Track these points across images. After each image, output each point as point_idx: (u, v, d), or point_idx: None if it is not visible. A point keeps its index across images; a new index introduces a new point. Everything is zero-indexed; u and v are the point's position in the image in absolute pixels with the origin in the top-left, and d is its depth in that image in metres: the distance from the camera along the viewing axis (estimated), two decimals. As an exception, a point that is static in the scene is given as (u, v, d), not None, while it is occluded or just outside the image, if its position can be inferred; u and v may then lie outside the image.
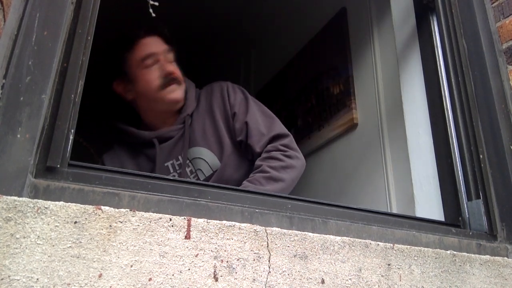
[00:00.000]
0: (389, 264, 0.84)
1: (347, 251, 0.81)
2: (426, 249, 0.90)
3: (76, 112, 0.75)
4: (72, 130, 0.73)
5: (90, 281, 0.60)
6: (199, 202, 0.78)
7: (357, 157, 1.93)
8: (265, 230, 0.76)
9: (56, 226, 0.61)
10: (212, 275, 0.68)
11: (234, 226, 0.73)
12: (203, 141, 1.37)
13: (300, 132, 2.28)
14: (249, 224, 0.75)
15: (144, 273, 0.64)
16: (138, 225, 0.66)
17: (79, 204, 0.63)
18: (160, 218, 0.68)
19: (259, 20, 3.00)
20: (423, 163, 1.52)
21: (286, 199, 0.89)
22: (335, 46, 2.17)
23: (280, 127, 1.37)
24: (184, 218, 0.70)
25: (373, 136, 1.84)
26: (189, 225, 0.70)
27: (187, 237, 0.69)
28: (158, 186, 0.77)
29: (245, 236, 0.73)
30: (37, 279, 0.57)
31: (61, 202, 0.63)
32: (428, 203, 1.46)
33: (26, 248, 0.58)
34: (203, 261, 0.68)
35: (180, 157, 1.36)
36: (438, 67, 1.33)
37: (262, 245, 0.74)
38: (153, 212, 0.68)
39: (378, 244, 0.85)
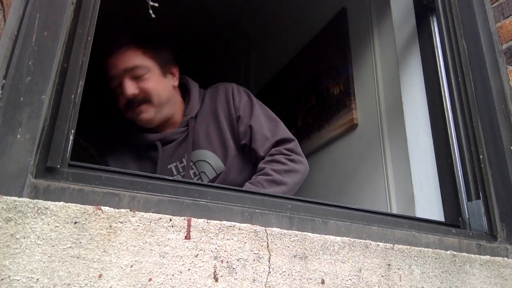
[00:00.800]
0: (389, 265, 0.84)
1: (347, 252, 0.81)
2: (426, 249, 0.90)
3: (76, 113, 0.75)
4: (72, 131, 0.73)
5: (90, 281, 0.60)
6: (199, 202, 0.78)
7: (357, 157, 1.93)
8: (265, 231, 0.76)
9: (56, 226, 0.61)
10: (212, 276, 0.68)
11: (234, 226, 0.73)
12: (207, 143, 1.35)
13: (300, 133, 2.28)
14: (249, 225, 0.75)
15: (144, 273, 0.64)
16: (138, 226, 0.66)
17: (79, 205, 0.63)
18: (160, 219, 0.68)
19: (259, 20, 3.00)
20: (423, 163, 1.52)
21: (286, 200, 0.89)
22: (335, 46, 2.17)
23: (284, 131, 1.36)
24: (184, 219, 0.70)
25: (373, 136, 1.84)
26: (189, 226, 0.70)
27: (187, 237, 0.69)
28: (158, 187, 0.77)
29: (245, 237, 0.73)
30: (37, 279, 0.57)
31: (61, 203, 0.63)
32: (428, 203, 1.46)
33: (26, 248, 0.58)
34: (203, 262, 0.68)
35: (184, 160, 1.35)
36: (438, 67, 1.33)
37: (262, 246, 0.74)
38: (153, 213, 0.68)
39: (378, 245, 0.85)
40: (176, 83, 1.40)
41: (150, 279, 0.64)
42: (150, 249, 0.65)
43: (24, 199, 0.60)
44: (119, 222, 0.65)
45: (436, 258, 0.90)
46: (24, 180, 0.64)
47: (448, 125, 1.26)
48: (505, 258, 1.01)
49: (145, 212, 0.68)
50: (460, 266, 0.92)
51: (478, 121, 1.20)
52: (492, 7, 1.33)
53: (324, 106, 2.18)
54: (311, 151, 2.17)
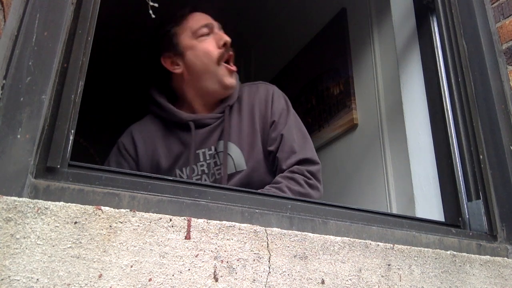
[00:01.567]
0: (389, 265, 0.84)
1: (347, 252, 0.81)
2: (426, 249, 0.90)
3: (76, 112, 0.75)
4: (72, 130, 0.73)
5: (90, 281, 0.60)
6: (199, 202, 0.78)
7: (357, 157, 1.93)
8: (265, 231, 0.76)
9: (56, 226, 0.61)
10: (212, 276, 0.68)
11: (234, 226, 0.73)
12: (236, 137, 1.31)
13: (300, 132, 2.27)
14: (249, 225, 0.75)
15: (144, 273, 0.64)
16: (138, 226, 0.66)
17: (79, 205, 0.63)
18: (160, 219, 0.68)
19: (259, 20, 3.00)
20: (423, 163, 1.52)
21: (286, 200, 0.89)
22: (335, 47, 2.17)
23: (312, 152, 1.32)
24: (184, 219, 0.70)
25: (373, 136, 1.84)
26: (189, 226, 0.70)
27: (187, 237, 0.69)
28: (158, 187, 0.77)
29: (245, 237, 0.73)
30: (37, 279, 0.57)
31: (61, 203, 0.63)
32: (428, 203, 1.46)
33: (26, 248, 0.58)
34: (203, 262, 0.68)
35: (213, 147, 1.31)
36: (438, 67, 1.33)
37: (262, 246, 0.74)
38: (153, 213, 0.68)
39: (378, 245, 0.85)
40: None
41: (150, 279, 0.64)
42: (150, 249, 0.65)
43: (24, 199, 0.60)
44: (119, 222, 0.65)
45: (436, 258, 0.90)
46: (24, 180, 0.64)
47: (448, 125, 1.26)
48: (505, 258, 1.01)
49: (145, 212, 0.68)
50: (460, 266, 0.92)
51: (478, 121, 1.20)
52: (492, 7, 1.33)
53: (324, 106, 2.18)
54: (311, 151, 2.17)
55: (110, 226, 0.64)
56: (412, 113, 1.61)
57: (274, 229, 0.77)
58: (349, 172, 1.96)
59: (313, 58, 2.38)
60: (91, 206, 0.64)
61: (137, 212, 0.67)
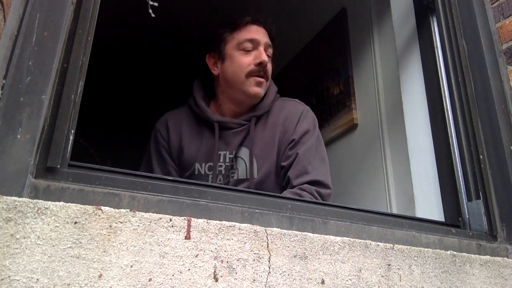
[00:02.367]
0: (389, 265, 0.84)
1: (347, 252, 0.81)
2: (426, 249, 0.90)
3: (76, 112, 0.75)
4: (72, 130, 0.73)
5: (90, 281, 0.60)
6: (199, 202, 0.78)
7: (357, 157, 1.93)
8: (265, 231, 0.76)
9: (56, 226, 0.61)
10: (212, 276, 0.68)
11: (234, 226, 0.73)
12: (256, 147, 1.34)
13: (300, 132, 2.27)
14: (249, 225, 0.75)
15: (144, 273, 0.64)
16: (138, 226, 0.66)
17: (79, 205, 0.63)
18: (160, 219, 0.68)
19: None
20: (423, 163, 1.52)
21: (286, 200, 0.89)
22: (335, 47, 2.17)
23: (326, 176, 1.32)
24: (184, 219, 0.70)
25: (373, 136, 1.84)
26: (189, 226, 0.70)
27: (187, 237, 0.69)
28: (158, 187, 0.77)
29: (245, 237, 0.73)
30: (37, 279, 0.57)
31: (61, 203, 0.63)
32: (428, 203, 1.46)
33: (26, 248, 0.58)
34: (203, 262, 0.68)
35: (234, 152, 1.35)
36: (438, 67, 1.33)
37: (262, 246, 0.74)
38: (153, 213, 0.68)
39: (378, 245, 0.85)
40: None
41: (150, 279, 0.64)
42: (150, 249, 0.65)
43: (24, 199, 0.60)
44: (119, 222, 0.65)
45: (436, 258, 0.90)
46: (24, 180, 0.64)
47: (448, 125, 1.26)
48: (505, 258, 1.01)
49: (145, 212, 0.68)
50: (460, 266, 0.92)
51: (478, 121, 1.20)
52: (492, 7, 1.33)
53: (324, 106, 2.18)
54: (311, 151, 2.17)
55: (110, 226, 0.64)
56: (412, 113, 1.61)
57: (274, 229, 0.77)
58: (349, 172, 1.96)
59: (313, 58, 2.38)
60: (91, 206, 0.64)
61: (137, 212, 0.67)
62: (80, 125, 0.85)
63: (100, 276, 0.61)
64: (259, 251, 0.73)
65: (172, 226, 0.68)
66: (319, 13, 2.35)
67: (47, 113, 0.71)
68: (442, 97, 1.30)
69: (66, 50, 0.76)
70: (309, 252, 0.78)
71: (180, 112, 1.46)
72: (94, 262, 0.61)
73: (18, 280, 0.56)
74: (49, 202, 0.62)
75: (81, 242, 0.61)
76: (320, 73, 2.28)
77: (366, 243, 0.84)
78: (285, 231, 0.77)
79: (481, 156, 1.16)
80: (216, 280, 0.68)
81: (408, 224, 1.00)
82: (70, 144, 0.73)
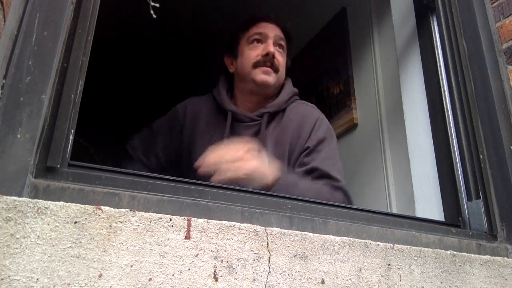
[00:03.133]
0: (389, 264, 0.84)
1: (347, 251, 0.81)
2: (426, 249, 0.90)
3: (76, 112, 0.75)
4: (72, 130, 0.73)
5: (90, 281, 0.60)
6: (199, 202, 0.78)
7: (357, 157, 1.93)
8: (265, 230, 0.76)
9: (56, 226, 0.61)
10: (212, 275, 0.68)
11: (234, 226, 0.73)
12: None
13: (300, 132, 2.27)
14: (249, 224, 0.75)
15: (144, 273, 0.64)
16: (138, 225, 0.66)
17: (79, 204, 0.63)
18: (160, 218, 0.68)
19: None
20: (423, 163, 1.52)
21: (286, 199, 0.89)
22: (335, 46, 2.17)
23: (341, 176, 1.30)
24: (184, 218, 0.70)
25: (373, 136, 1.84)
26: (189, 225, 0.70)
27: (187, 237, 0.69)
28: (158, 186, 0.77)
29: (245, 236, 0.73)
30: (37, 279, 0.57)
31: (61, 202, 0.63)
32: (428, 203, 1.46)
33: (26, 248, 0.58)
34: (203, 261, 0.68)
35: None
36: (438, 67, 1.33)
37: (262, 245, 0.74)
38: (153, 212, 0.68)
39: (378, 244, 0.85)
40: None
41: (150, 279, 0.64)
42: (150, 249, 0.65)
43: (24, 199, 0.60)
44: (119, 222, 0.65)
45: (436, 258, 0.90)
46: (24, 180, 0.64)
47: (448, 125, 1.26)
48: (505, 258, 1.01)
49: (145, 212, 0.68)
50: (460, 266, 0.92)
51: (478, 121, 1.20)
52: (492, 7, 1.33)
53: (324, 106, 2.18)
54: (311, 151, 2.17)
55: (110, 225, 0.64)
56: (412, 113, 1.61)
57: (274, 228, 0.77)
58: (349, 172, 1.96)
59: (313, 57, 2.37)
60: (91, 206, 0.64)
61: (137, 212, 0.67)
62: (80, 125, 0.85)
63: (100, 275, 0.61)
64: (259, 251, 0.73)
65: (172, 226, 0.68)
66: (319, 13, 2.35)
67: (47, 113, 0.71)
68: (442, 97, 1.30)
69: (66, 50, 0.76)
70: (309, 252, 0.78)
71: (203, 99, 1.52)
72: (94, 261, 0.61)
73: (18, 280, 0.56)
74: (49, 201, 0.62)
75: (81, 242, 0.61)
76: (320, 73, 2.28)
77: (366, 242, 0.84)
78: (285, 230, 0.77)
79: (481, 156, 1.16)
80: (216, 279, 0.68)
81: (408, 224, 1.00)
82: (70, 144, 0.73)
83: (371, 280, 0.81)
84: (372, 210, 0.98)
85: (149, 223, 0.67)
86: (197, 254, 0.68)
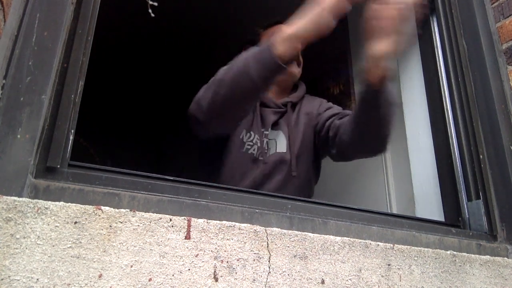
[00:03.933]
0: (389, 265, 0.84)
1: (347, 252, 0.81)
2: (426, 249, 0.90)
3: (76, 112, 0.75)
4: (72, 130, 0.73)
5: (90, 281, 0.60)
6: (199, 202, 0.78)
7: (357, 157, 1.93)
8: (265, 231, 0.76)
9: (56, 226, 0.61)
10: (212, 275, 0.68)
11: (234, 226, 0.73)
12: (291, 125, 1.47)
13: (300, 132, 2.27)
14: (249, 225, 0.75)
15: (144, 273, 0.64)
16: (138, 225, 0.66)
17: (79, 204, 0.63)
18: (160, 219, 0.68)
19: (259, 20, 3.00)
20: (423, 163, 1.52)
21: (286, 200, 0.89)
22: (335, 47, 2.17)
23: None
24: (184, 219, 0.70)
25: (373, 136, 1.83)
26: (189, 226, 0.70)
27: (187, 237, 0.69)
28: (158, 186, 0.77)
29: (245, 237, 0.73)
30: (37, 279, 0.57)
31: (61, 202, 0.63)
32: (428, 203, 1.46)
33: (26, 248, 0.58)
34: (203, 261, 0.68)
35: (269, 128, 1.46)
36: (438, 67, 1.33)
37: (262, 246, 0.74)
38: (153, 213, 0.68)
39: (378, 245, 0.85)
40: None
41: (150, 279, 0.64)
42: (150, 249, 0.65)
43: (24, 199, 0.60)
44: (119, 222, 0.65)
45: (436, 258, 0.90)
46: (24, 180, 0.64)
47: (448, 125, 1.26)
48: (505, 258, 1.01)
49: (145, 212, 0.67)
50: (460, 266, 0.92)
51: (478, 121, 1.20)
52: (492, 7, 1.33)
53: (324, 106, 2.18)
54: (311, 151, 2.17)
55: (110, 226, 0.64)
56: (412, 113, 1.61)
57: (274, 229, 0.77)
58: (349, 172, 1.96)
59: (313, 58, 2.37)
60: (91, 206, 0.64)
61: (137, 212, 0.67)
62: (80, 125, 0.85)
63: (100, 276, 0.61)
64: (259, 251, 0.73)
65: (172, 226, 0.68)
66: (319, 13, 2.34)
67: (47, 113, 0.71)
68: (442, 97, 1.30)
69: (66, 50, 0.76)
70: (309, 252, 0.78)
71: None
72: (94, 262, 0.61)
73: (18, 280, 0.56)
74: (49, 202, 0.62)
75: (81, 242, 0.61)
76: (320, 73, 2.28)
77: (366, 243, 0.84)
78: (285, 231, 0.77)
79: (481, 156, 1.16)
80: (216, 280, 0.68)
81: (408, 224, 1.00)
82: (70, 144, 0.73)
83: (371, 280, 0.81)
84: (372, 210, 0.98)
85: (149, 223, 0.67)
86: (197, 254, 0.68)
